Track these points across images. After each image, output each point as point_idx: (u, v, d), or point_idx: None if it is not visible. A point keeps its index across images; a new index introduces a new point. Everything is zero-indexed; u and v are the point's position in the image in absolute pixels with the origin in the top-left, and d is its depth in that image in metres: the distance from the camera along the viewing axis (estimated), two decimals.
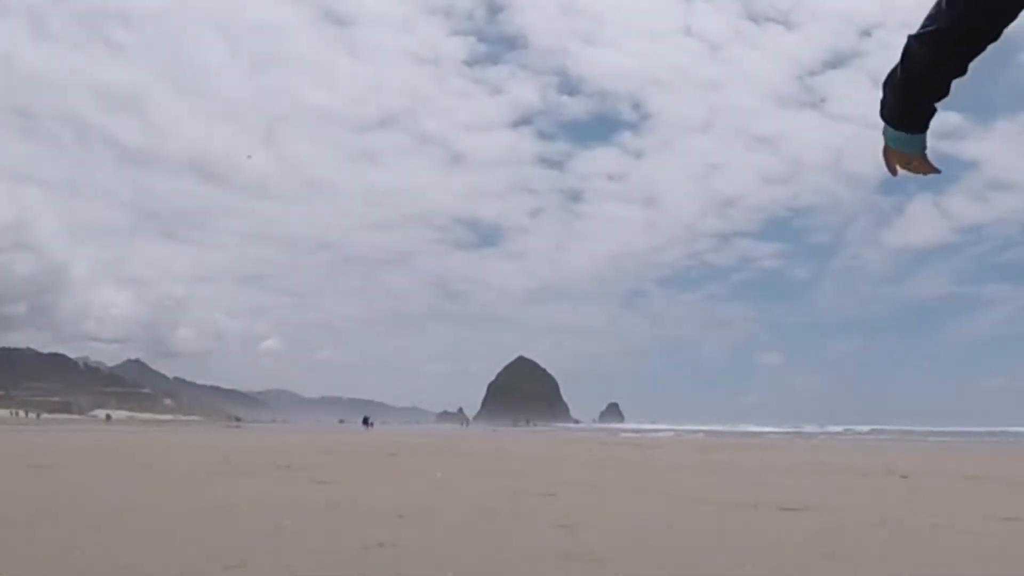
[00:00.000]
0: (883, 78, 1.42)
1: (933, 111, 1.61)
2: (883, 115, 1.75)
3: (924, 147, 1.73)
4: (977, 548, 2.49)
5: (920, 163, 1.77)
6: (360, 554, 2.10)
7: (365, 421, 54.67)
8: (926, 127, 1.67)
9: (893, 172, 1.82)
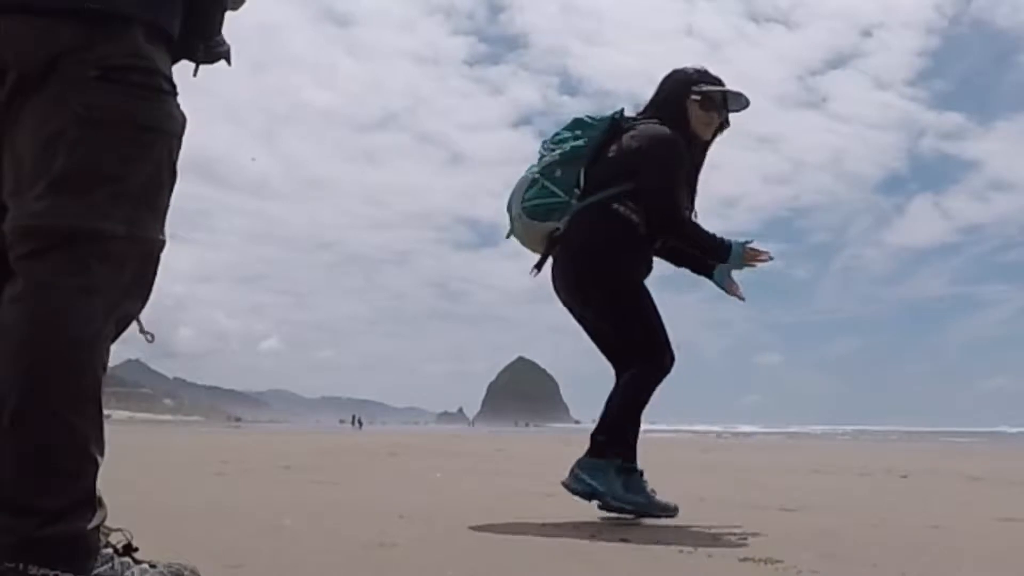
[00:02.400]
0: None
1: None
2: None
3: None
4: (977, 548, 2.50)
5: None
6: (360, 554, 2.10)
7: (354, 420, 54.90)
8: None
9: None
